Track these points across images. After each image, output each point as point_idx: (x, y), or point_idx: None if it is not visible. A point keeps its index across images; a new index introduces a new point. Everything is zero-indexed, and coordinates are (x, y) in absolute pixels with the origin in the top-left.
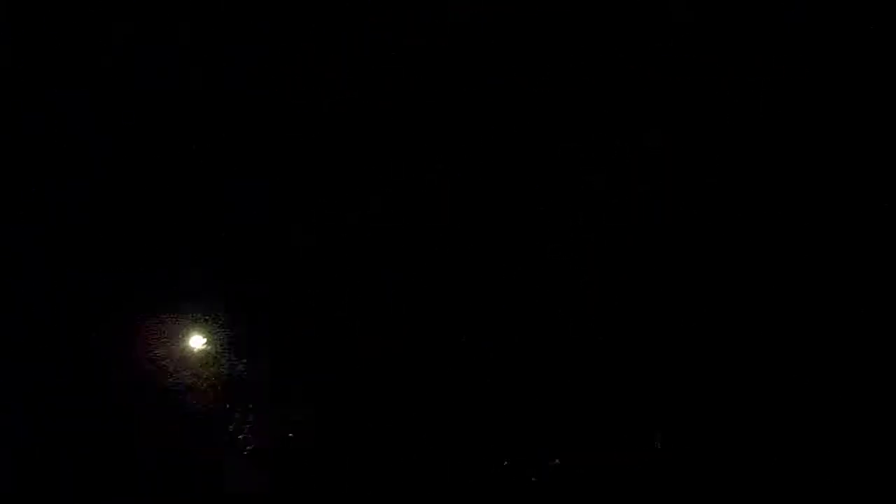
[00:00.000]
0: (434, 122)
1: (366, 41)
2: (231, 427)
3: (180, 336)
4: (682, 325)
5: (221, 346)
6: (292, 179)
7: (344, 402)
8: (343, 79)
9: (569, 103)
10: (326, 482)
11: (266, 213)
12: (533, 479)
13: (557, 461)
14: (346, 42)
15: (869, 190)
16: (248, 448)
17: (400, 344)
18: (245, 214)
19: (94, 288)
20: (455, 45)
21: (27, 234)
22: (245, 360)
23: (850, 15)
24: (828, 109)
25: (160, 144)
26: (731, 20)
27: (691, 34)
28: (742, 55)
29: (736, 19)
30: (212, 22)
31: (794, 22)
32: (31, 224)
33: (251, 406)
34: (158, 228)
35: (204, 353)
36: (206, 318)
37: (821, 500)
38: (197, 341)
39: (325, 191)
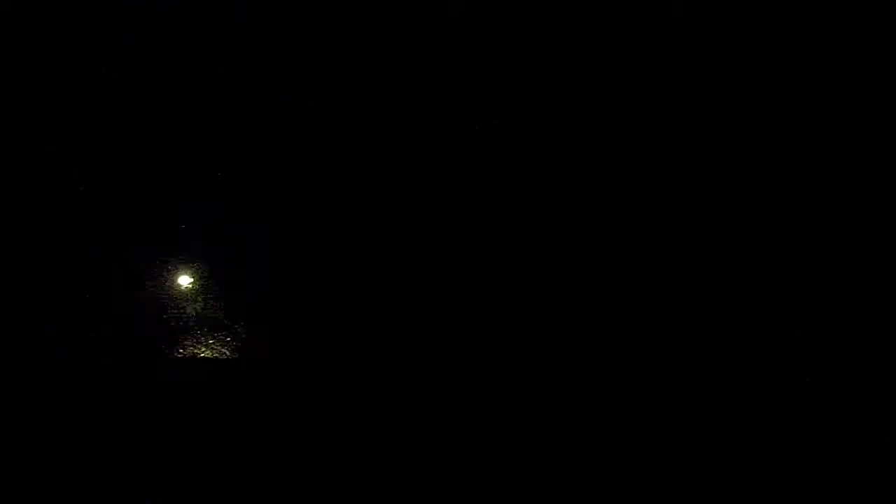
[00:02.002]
0: (433, 121)
1: (366, 41)
2: (230, 431)
3: (177, 337)
4: (684, 324)
5: (219, 347)
6: (291, 179)
7: (343, 402)
8: (343, 78)
9: (569, 103)
10: (326, 479)
11: (265, 213)
12: (531, 478)
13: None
14: (345, 41)
15: (870, 190)
16: (247, 449)
17: (399, 344)
18: (244, 214)
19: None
20: (455, 45)
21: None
22: (244, 361)
23: (849, 15)
24: (829, 110)
25: (152, 149)
26: (731, 20)
27: (691, 34)
28: (742, 55)
29: (736, 19)
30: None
31: (794, 21)
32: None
33: (250, 407)
34: (151, 227)
35: (200, 354)
36: (203, 320)
37: (821, 499)
38: (194, 344)
39: (323, 190)
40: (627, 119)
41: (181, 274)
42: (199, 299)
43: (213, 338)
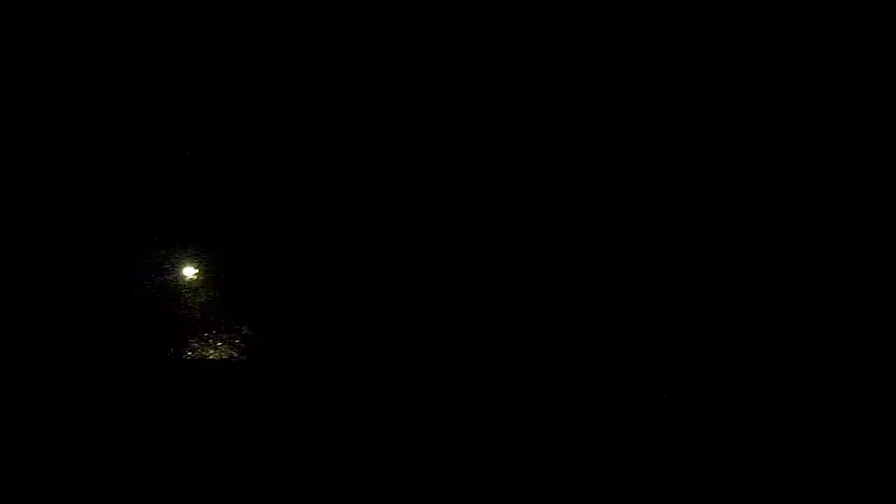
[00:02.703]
0: (433, 121)
1: (365, 40)
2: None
3: (177, 336)
4: (684, 325)
5: (219, 347)
6: (292, 179)
7: (343, 402)
8: (342, 78)
9: (569, 103)
10: (326, 479)
11: (267, 213)
12: (532, 478)
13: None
14: (345, 41)
15: (870, 190)
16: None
17: (399, 343)
18: (245, 214)
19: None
20: (454, 44)
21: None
22: (244, 360)
23: (849, 15)
24: (828, 110)
25: (152, 148)
26: (730, 19)
27: (691, 34)
28: (741, 55)
29: (735, 19)
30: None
31: (794, 22)
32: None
33: (249, 407)
34: (151, 227)
35: (200, 354)
36: (204, 320)
37: (821, 499)
38: (195, 343)
39: (324, 190)
40: (628, 119)
41: (182, 274)
42: (200, 299)
43: (214, 337)
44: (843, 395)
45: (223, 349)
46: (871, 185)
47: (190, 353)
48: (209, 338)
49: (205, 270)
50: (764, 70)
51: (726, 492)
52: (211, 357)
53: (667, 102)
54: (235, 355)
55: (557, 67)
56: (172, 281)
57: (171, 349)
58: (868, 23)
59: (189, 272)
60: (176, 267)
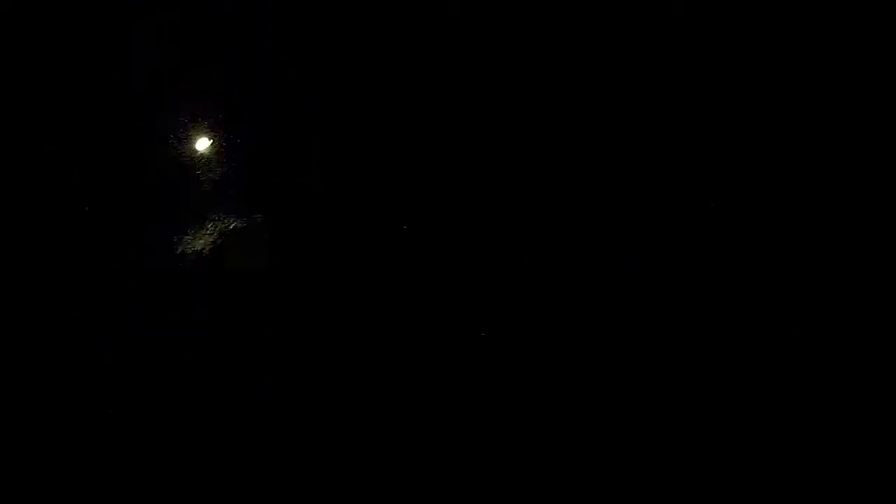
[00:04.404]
0: (432, 121)
1: (364, 40)
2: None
3: (177, 336)
4: (684, 325)
5: (219, 346)
6: (291, 179)
7: (341, 402)
8: (342, 79)
9: (569, 102)
10: (326, 479)
11: (267, 212)
12: (532, 478)
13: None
14: (345, 41)
15: (869, 192)
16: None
17: (398, 343)
18: (245, 213)
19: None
20: (454, 44)
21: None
22: (243, 360)
23: (848, 15)
24: (827, 110)
25: (153, 148)
26: (730, 19)
27: (690, 34)
28: (740, 55)
29: (735, 18)
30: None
31: (793, 22)
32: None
33: (250, 407)
34: (151, 227)
35: (201, 352)
36: (203, 319)
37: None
38: (195, 342)
39: (323, 190)
40: (628, 120)
41: (182, 273)
42: (200, 299)
43: (213, 336)
44: (843, 395)
45: (223, 349)
46: (872, 185)
47: (190, 351)
48: (209, 337)
49: (205, 270)
50: (764, 71)
51: (726, 492)
52: (210, 357)
53: (667, 102)
54: (234, 353)
55: (557, 67)
56: (172, 280)
57: (171, 350)
58: (868, 23)
59: (189, 271)
60: (176, 266)
